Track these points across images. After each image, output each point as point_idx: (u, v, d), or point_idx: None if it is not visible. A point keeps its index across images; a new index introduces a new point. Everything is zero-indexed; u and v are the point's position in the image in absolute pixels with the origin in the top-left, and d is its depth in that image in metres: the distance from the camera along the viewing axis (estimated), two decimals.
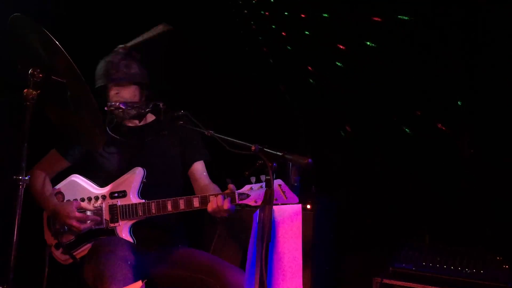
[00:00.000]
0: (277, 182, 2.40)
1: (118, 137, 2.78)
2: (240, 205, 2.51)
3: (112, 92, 2.76)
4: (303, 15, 3.58)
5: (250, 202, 2.46)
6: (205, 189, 2.74)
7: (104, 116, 2.76)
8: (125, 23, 3.59)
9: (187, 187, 2.86)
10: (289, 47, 3.61)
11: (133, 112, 2.75)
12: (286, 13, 3.62)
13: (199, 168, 2.86)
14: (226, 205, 2.45)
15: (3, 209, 2.92)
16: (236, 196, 2.48)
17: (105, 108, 2.72)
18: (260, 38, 3.68)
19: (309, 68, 3.59)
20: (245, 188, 2.49)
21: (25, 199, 2.14)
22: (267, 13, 3.67)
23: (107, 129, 2.77)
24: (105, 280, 2.32)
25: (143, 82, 2.79)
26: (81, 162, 2.79)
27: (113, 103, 2.72)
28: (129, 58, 2.77)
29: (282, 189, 2.41)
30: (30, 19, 2.17)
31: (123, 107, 2.71)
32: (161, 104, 2.70)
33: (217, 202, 2.47)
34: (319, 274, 3.10)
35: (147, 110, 2.77)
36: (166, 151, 2.83)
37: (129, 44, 2.79)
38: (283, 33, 3.63)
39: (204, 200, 2.53)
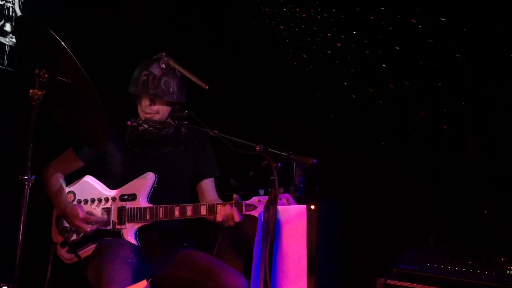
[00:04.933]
0: (285, 196, 2.42)
1: (135, 150, 2.80)
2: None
3: (145, 103, 2.75)
4: (304, 15, 3.59)
5: (256, 213, 2.47)
6: None
7: (122, 127, 2.79)
8: (131, 23, 3.61)
9: (194, 198, 2.87)
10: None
11: (156, 133, 2.76)
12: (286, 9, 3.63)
13: (208, 184, 2.87)
14: (236, 215, 2.47)
15: (10, 208, 2.95)
16: (244, 206, 2.49)
17: (128, 123, 2.72)
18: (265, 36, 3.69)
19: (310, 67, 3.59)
20: (253, 200, 2.50)
21: (31, 198, 2.15)
22: (267, 9, 3.67)
23: (126, 141, 2.80)
24: (104, 282, 2.33)
25: (178, 102, 2.79)
26: (95, 164, 2.80)
27: (135, 120, 2.72)
28: (171, 75, 2.76)
29: (289, 203, 2.41)
30: (36, 20, 2.18)
31: (145, 126, 2.72)
32: (183, 128, 2.71)
33: (225, 211, 2.48)
34: (323, 274, 3.10)
35: (169, 132, 2.79)
36: (179, 163, 2.83)
37: (172, 64, 2.77)
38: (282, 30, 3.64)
39: (212, 209, 2.54)
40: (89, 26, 3.53)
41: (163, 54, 2.78)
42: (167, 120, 2.78)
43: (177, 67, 2.77)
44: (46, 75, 2.18)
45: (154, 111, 2.74)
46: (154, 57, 2.79)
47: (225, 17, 3.73)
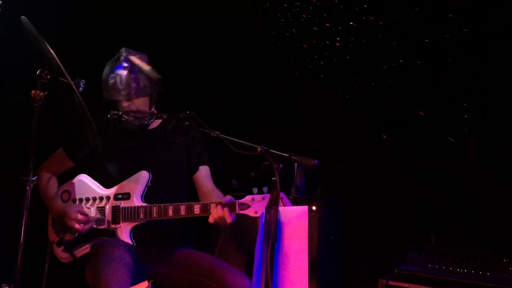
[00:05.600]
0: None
1: (122, 144, 2.79)
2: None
3: (125, 104, 2.73)
4: (304, 15, 3.58)
5: (250, 212, 2.46)
6: (209, 194, 2.76)
7: (104, 123, 2.77)
8: (130, 23, 3.61)
9: (193, 193, 2.87)
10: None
11: (136, 122, 2.75)
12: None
13: (203, 173, 2.86)
14: (227, 215, 2.46)
15: (10, 209, 2.95)
16: (237, 205, 2.48)
17: (108, 116, 2.71)
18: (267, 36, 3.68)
19: (310, 66, 3.59)
20: (247, 199, 2.49)
21: (32, 198, 2.15)
22: (267, 4, 3.67)
23: (111, 136, 2.78)
24: (101, 283, 2.34)
25: (153, 93, 2.80)
26: (88, 164, 2.80)
27: (115, 112, 2.71)
28: (136, 70, 2.74)
29: (283, 203, 2.40)
30: (29, 22, 2.17)
31: (126, 117, 2.71)
32: (164, 116, 2.71)
33: (217, 213, 2.48)
34: (324, 275, 3.10)
35: (150, 121, 2.79)
36: (171, 156, 2.83)
37: (132, 58, 2.76)
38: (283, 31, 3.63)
39: (205, 207, 2.53)
40: (89, 26, 3.53)
41: (123, 50, 2.78)
42: (151, 110, 2.78)
43: (137, 61, 2.75)
44: (48, 76, 2.18)
45: (135, 107, 2.73)
46: (115, 56, 2.78)
47: (225, 16, 3.72)
